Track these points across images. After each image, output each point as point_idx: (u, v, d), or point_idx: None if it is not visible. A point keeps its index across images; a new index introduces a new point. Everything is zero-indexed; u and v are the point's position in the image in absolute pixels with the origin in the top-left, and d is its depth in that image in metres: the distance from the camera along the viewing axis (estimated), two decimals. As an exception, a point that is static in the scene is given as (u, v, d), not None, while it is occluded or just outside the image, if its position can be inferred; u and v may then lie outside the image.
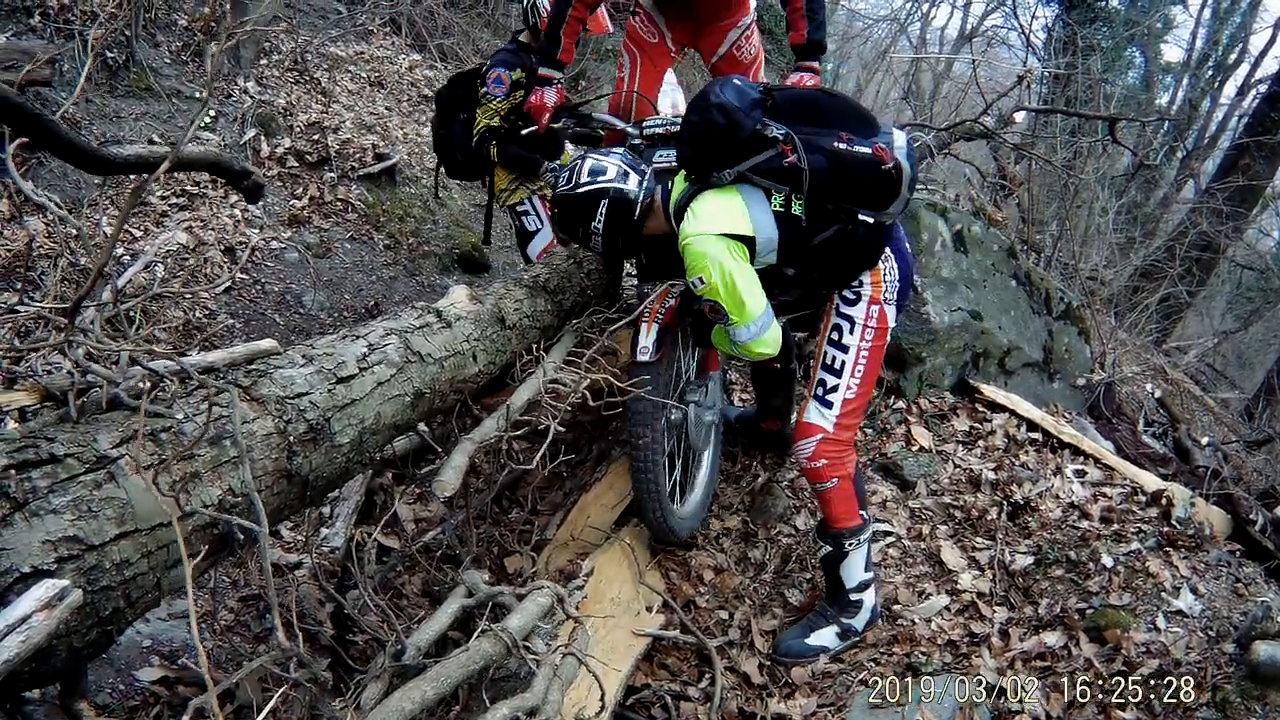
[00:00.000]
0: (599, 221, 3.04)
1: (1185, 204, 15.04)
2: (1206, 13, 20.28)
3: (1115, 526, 3.59)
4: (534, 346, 3.06)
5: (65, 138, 2.08)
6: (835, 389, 3.08)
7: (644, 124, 3.60)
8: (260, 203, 4.61)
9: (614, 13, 5.58)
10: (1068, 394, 4.90)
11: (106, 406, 1.99)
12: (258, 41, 6.79)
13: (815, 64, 3.80)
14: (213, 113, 6.06)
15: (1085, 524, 3.63)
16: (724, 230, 2.80)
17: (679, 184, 3.02)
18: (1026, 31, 13.35)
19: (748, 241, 2.84)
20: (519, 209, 4.69)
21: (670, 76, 4.54)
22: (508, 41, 4.70)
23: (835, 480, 3.13)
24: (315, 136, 6.42)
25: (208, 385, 1.98)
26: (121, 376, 2.12)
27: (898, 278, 3.06)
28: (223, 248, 5.24)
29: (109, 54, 5.63)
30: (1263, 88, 15.92)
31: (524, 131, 4.07)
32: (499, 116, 4.42)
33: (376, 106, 7.65)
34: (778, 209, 2.86)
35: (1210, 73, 19.75)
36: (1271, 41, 18.83)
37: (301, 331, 5.16)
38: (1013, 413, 4.29)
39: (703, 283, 2.80)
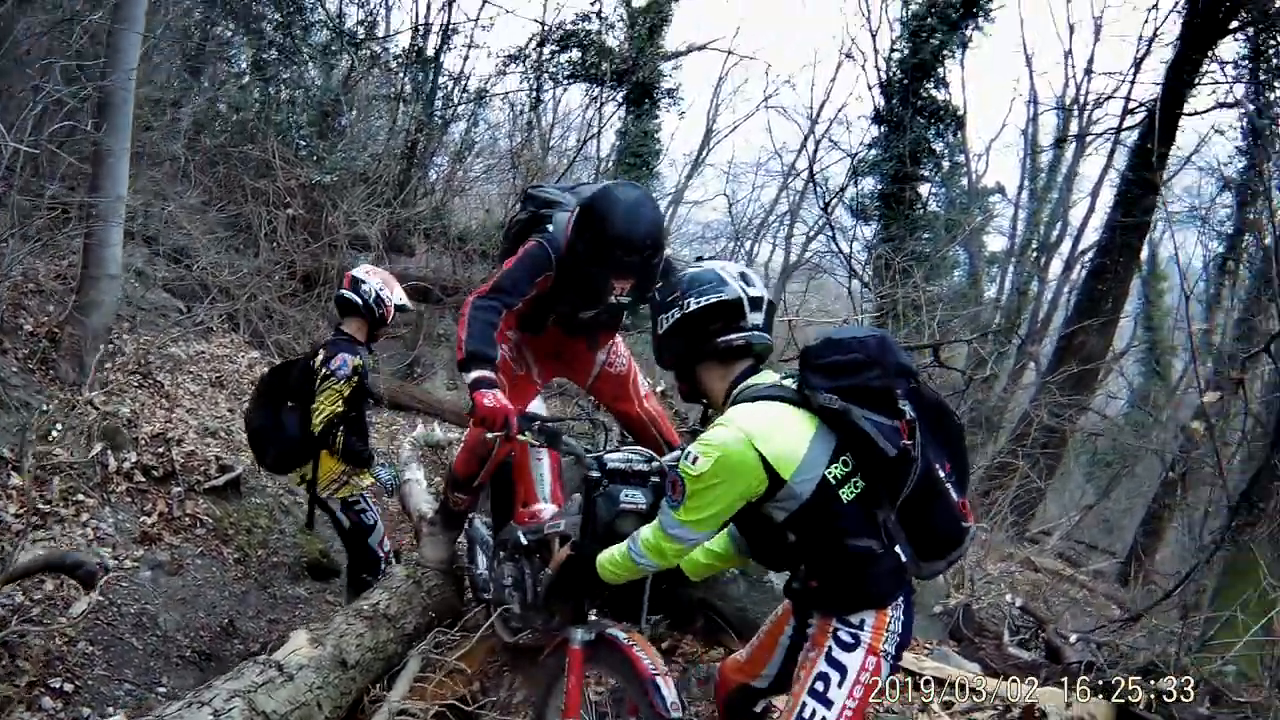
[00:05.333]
0: None
1: (1027, 388, 15.59)
2: (1024, 195, 21.71)
3: (994, 752, 3.59)
4: (378, 683, 3.04)
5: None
6: None
7: (604, 459, 3.12)
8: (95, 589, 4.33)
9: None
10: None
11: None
12: (100, 347, 6.74)
13: None
14: (59, 427, 5.93)
15: (963, 756, 3.64)
16: (763, 447, 2.29)
17: (768, 377, 2.55)
18: (848, 255, 13.67)
19: (774, 483, 2.32)
20: (355, 506, 4.75)
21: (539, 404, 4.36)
22: (333, 333, 4.82)
23: None
24: (160, 449, 6.35)
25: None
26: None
27: (900, 629, 2.50)
28: (77, 569, 5.10)
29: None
30: (1087, 259, 16.97)
31: (489, 435, 3.56)
32: (342, 400, 4.48)
33: (219, 409, 7.70)
34: (832, 477, 2.34)
35: (1035, 254, 20.78)
36: (1090, 211, 20.01)
37: (160, 655, 4.92)
38: (869, 658, 4.30)
39: (693, 461, 2.32)
